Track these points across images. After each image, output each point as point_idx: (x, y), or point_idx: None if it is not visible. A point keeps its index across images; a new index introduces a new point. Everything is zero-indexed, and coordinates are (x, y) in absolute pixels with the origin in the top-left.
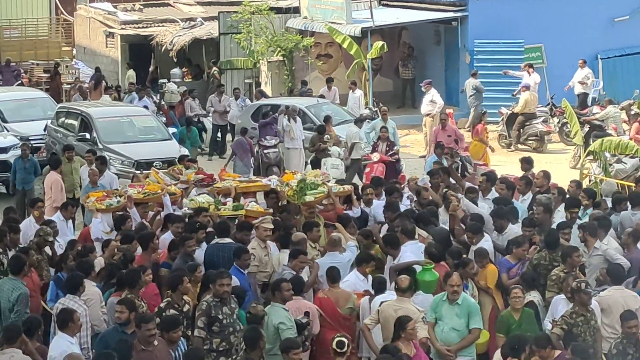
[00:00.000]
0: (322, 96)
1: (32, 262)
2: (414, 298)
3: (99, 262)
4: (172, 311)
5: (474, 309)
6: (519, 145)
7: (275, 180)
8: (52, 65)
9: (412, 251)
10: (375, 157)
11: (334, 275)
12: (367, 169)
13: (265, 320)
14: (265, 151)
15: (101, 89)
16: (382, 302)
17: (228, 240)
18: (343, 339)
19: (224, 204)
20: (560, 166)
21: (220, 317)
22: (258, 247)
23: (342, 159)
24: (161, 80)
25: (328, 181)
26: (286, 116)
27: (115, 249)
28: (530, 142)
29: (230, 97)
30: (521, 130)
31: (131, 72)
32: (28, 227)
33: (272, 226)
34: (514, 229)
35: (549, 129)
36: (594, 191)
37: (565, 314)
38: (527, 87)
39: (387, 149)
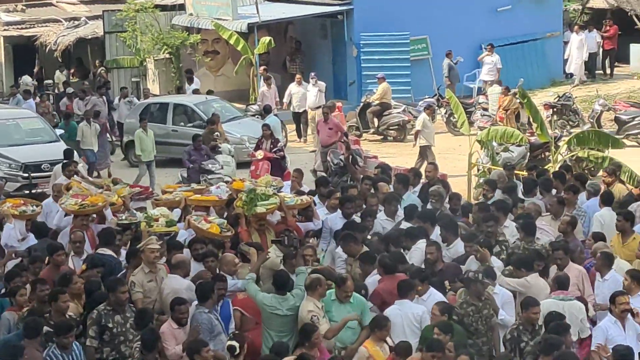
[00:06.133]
0: (210, 92)
1: None
2: None
3: None
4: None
5: (365, 305)
6: (377, 136)
7: (224, 187)
8: None
9: None
10: (260, 154)
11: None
12: (252, 167)
13: None
14: (209, 176)
15: None
16: None
17: (109, 251)
18: (233, 343)
19: (156, 220)
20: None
21: (110, 325)
22: (140, 272)
23: (232, 156)
24: (46, 81)
25: (279, 190)
26: None
27: (13, 255)
28: (390, 131)
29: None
30: (379, 120)
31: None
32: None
33: (157, 246)
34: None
35: (410, 118)
36: (495, 182)
37: (455, 305)
38: (384, 78)
39: (272, 146)
